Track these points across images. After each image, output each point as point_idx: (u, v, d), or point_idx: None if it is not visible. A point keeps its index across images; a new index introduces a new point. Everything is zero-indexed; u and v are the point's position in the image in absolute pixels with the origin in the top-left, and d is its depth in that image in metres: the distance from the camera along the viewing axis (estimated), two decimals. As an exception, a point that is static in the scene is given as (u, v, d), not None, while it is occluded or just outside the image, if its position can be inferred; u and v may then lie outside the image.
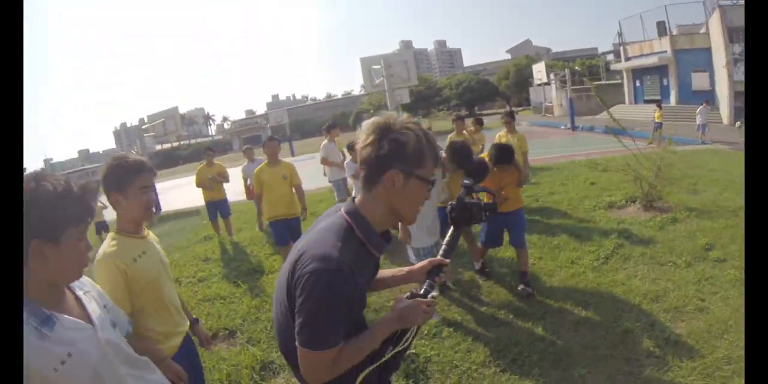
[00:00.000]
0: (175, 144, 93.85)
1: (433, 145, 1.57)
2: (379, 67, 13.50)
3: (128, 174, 2.24)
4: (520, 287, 5.17)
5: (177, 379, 2.18)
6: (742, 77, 22.65)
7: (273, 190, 6.17)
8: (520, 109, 53.45)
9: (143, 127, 21.14)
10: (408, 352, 2.16)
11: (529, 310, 4.78)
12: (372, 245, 1.56)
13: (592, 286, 5.18)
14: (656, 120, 17.60)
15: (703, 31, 27.87)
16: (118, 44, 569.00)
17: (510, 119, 8.07)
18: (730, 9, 24.34)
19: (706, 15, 27.02)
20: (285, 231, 6.27)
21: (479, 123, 9.54)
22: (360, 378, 1.53)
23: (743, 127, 16.00)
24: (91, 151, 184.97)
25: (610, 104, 34.52)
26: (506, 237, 5.61)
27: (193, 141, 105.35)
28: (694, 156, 13.45)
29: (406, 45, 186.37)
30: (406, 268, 1.85)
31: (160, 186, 23.79)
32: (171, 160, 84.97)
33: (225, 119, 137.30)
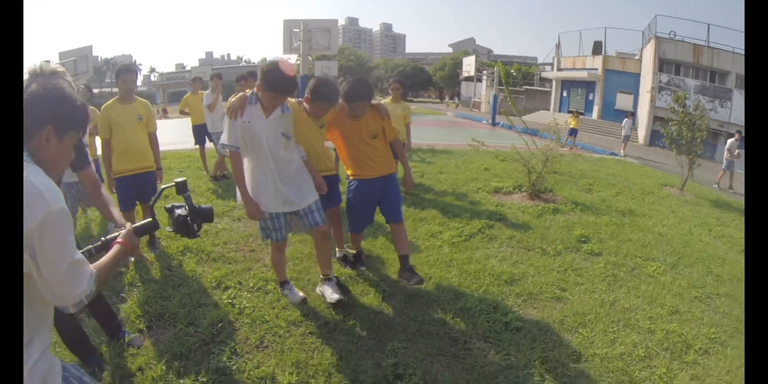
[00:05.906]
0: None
1: None
2: (298, 30, 12.88)
3: None
4: (405, 278, 3.81)
5: None
6: (664, 104, 23.75)
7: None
8: (452, 101, 53.95)
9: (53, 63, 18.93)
10: None
11: (362, 277, 4.11)
12: None
13: (443, 261, 4.57)
14: (571, 126, 17.62)
15: (636, 57, 28.91)
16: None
17: (398, 86, 6.86)
18: (665, 41, 25.93)
19: (643, 43, 28.05)
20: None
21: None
22: None
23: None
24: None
25: (535, 109, 35.38)
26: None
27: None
28: (599, 162, 13.42)
29: (352, 22, 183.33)
30: None
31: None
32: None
33: (152, 70, 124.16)
